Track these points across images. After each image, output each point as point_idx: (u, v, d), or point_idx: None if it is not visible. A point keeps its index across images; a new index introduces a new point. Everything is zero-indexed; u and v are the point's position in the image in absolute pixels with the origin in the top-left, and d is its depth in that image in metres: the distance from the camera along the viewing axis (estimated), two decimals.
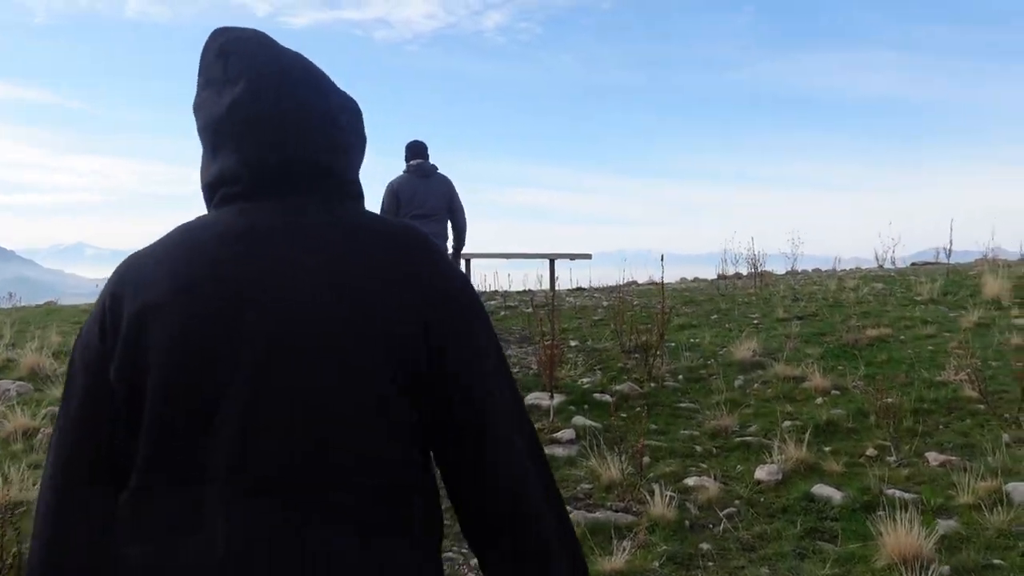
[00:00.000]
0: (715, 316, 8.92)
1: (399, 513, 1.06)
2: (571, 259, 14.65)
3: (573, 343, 7.49)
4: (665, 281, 20.55)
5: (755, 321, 8.49)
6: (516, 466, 1.10)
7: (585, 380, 6.38)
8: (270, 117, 1.12)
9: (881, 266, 22.45)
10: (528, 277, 23.72)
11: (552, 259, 14.49)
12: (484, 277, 16.40)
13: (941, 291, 9.51)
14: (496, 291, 13.46)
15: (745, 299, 10.26)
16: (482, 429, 1.09)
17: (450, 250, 7.13)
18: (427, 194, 6.85)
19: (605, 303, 10.45)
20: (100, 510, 1.06)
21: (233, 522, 1.00)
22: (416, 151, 7.03)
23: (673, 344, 7.38)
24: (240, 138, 1.13)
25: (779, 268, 22.92)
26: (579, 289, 14.11)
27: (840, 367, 6.53)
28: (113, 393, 1.06)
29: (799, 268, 22.10)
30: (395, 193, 6.81)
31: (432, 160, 6.99)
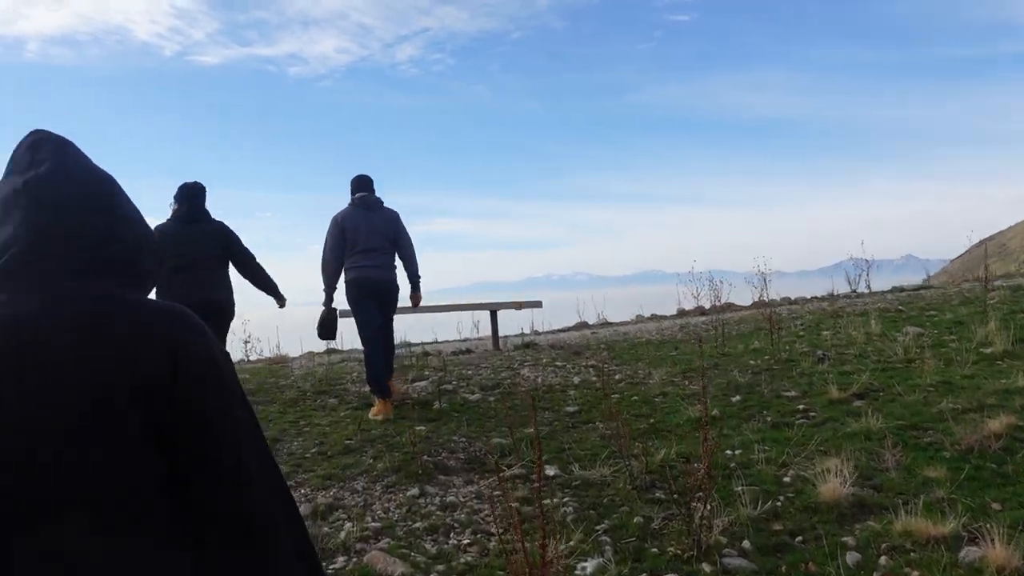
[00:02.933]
0: (737, 398, 6.33)
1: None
2: (518, 308, 11.99)
3: (550, 471, 4.79)
4: (618, 324, 17.95)
5: (800, 406, 5.92)
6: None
7: (589, 567, 3.66)
8: (66, 193, 1.29)
9: (855, 290, 20.39)
10: (462, 322, 21.10)
11: (494, 310, 11.81)
12: (403, 334, 13.54)
13: (1015, 337, 7.17)
14: (422, 351, 10.66)
15: (756, 360, 7.72)
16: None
17: (405, 289, 7.05)
18: (372, 227, 6.76)
19: (574, 374, 7.77)
20: None
21: None
22: (361, 184, 6.96)
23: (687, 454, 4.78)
24: (30, 206, 1.27)
25: (740, 299, 20.62)
26: (528, 345, 11.39)
27: (999, 503, 3.99)
28: None
29: (765, 296, 19.95)
30: (340, 225, 6.72)
31: (359, 194, 6.85)
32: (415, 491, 4.60)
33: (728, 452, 4.99)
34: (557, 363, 8.55)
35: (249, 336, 15.57)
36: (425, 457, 5.10)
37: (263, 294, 6.56)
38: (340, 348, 16.96)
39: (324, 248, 6.81)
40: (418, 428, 5.76)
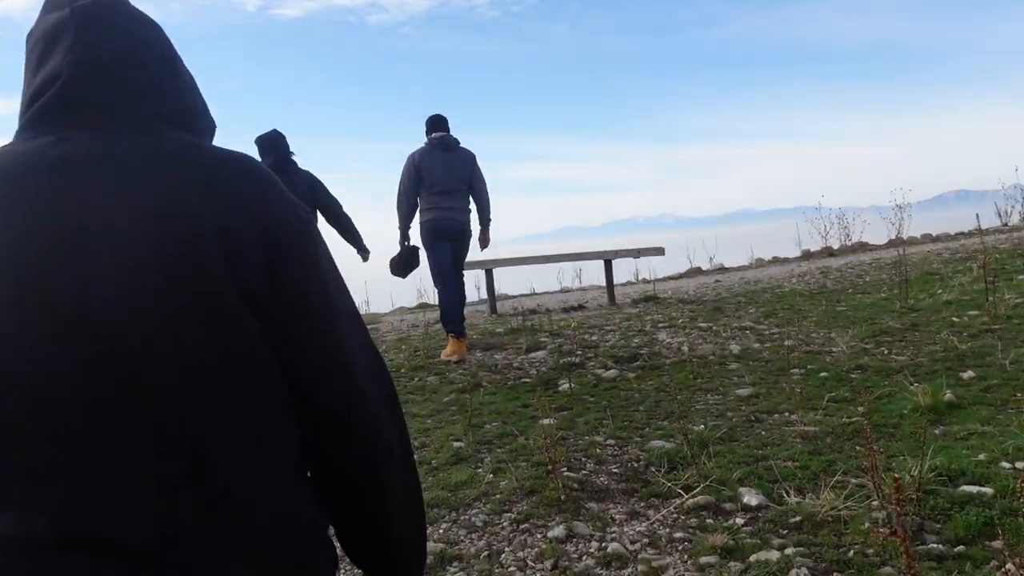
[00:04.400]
0: (969, 373, 4.68)
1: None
2: (636, 257, 10.43)
3: (750, 498, 3.32)
4: (735, 269, 16.19)
5: None
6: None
7: None
8: (126, 24, 1.08)
9: (1006, 223, 18.01)
10: (563, 272, 19.69)
11: (609, 259, 10.29)
12: (498, 286, 12.34)
13: None
14: (527, 310, 9.26)
15: (962, 316, 6.02)
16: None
17: (476, 231, 6.99)
18: (449, 168, 6.65)
19: (729, 339, 6.22)
20: None
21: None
22: (437, 124, 6.83)
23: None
24: (78, 33, 1.04)
25: (873, 237, 18.47)
26: (650, 298, 9.86)
27: None
28: None
29: (902, 234, 17.78)
30: (416, 166, 6.63)
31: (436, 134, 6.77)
32: (559, 531, 3.20)
33: (1004, 464, 3.42)
34: (700, 324, 7.01)
35: None
36: (566, 471, 3.71)
37: (348, 245, 6.62)
38: (432, 303, 15.79)
39: (399, 186, 6.76)
40: (546, 422, 4.38)
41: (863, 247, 16.67)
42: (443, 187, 6.61)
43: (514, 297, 14.37)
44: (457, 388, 5.52)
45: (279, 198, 1.06)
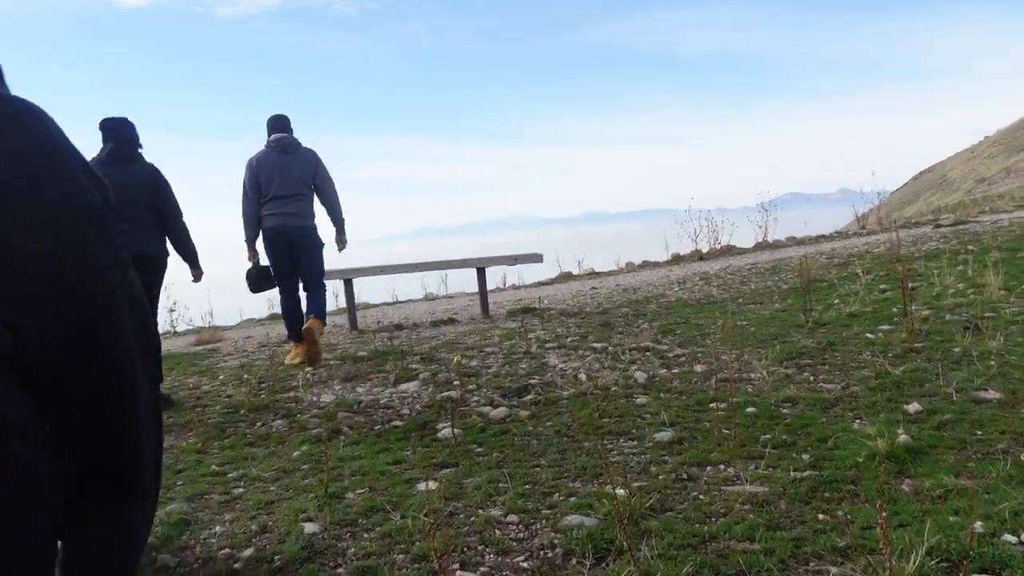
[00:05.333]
0: (914, 406, 4.06)
1: None
2: (513, 263, 9.56)
3: None
4: (607, 273, 15.67)
5: None
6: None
7: None
8: None
9: (863, 227, 18.39)
10: (427, 279, 18.61)
11: (481, 267, 9.36)
12: (357, 294, 11.42)
13: None
14: (392, 324, 8.23)
15: (876, 332, 5.48)
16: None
17: (327, 237, 6.74)
18: (288, 171, 6.39)
19: (631, 364, 5.42)
20: None
21: None
22: (277, 125, 6.56)
23: None
24: None
25: (739, 239, 18.44)
26: (529, 310, 9.03)
27: None
28: None
29: (768, 237, 17.81)
30: (254, 169, 6.40)
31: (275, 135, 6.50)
32: None
33: (1009, 537, 2.73)
34: (592, 343, 6.20)
35: (175, 303, 12.90)
36: (459, 570, 2.74)
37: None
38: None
39: (242, 195, 6.48)
40: (427, 487, 3.40)
41: (731, 250, 16.55)
42: (281, 191, 6.35)
43: (376, 306, 13.25)
44: (311, 437, 4.44)
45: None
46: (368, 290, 19.36)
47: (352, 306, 8.87)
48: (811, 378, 4.74)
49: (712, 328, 6.43)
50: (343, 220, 6.79)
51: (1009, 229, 11.40)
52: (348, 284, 8.85)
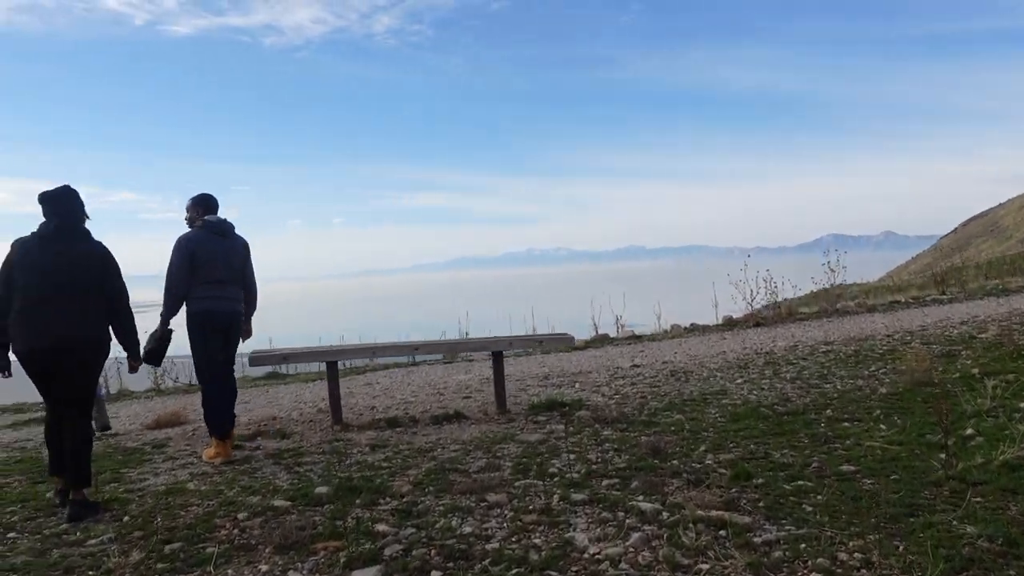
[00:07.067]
0: None
1: None
2: (539, 345, 7.76)
3: None
4: (648, 337, 13.80)
5: None
6: None
7: None
8: None
9: (943, 292, 16.32)
10: (447, 326, 16.97)
11: (499, 352, 7.56)
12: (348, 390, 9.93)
13: None
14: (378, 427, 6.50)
15: None
16: None
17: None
18: (227, 256, 6.29)
19: (701, 558, 3.60)
20: None
21: None
22: (210, 206, 6.42)
23: None
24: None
25: (792, 277, 16.40)
26: (555, 405, 7.29)
27: None
28: None
29: (832, 301, 15.77)
30: (191, 251, 6.15)
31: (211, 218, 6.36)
32: None
33: None
34: (638, 497, 4.36)
35: None
36: None
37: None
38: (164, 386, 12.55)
39: (170, 271, 6.17)
40: None
41: (792, 315, 14.60)
42: (221, 275, 6.20)
43: (383, 370, 11.54)
44: None
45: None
46: (388, 333, 17.58)
47: (336, 395, 7.14)
48: None
49: (806, 476, 4.58)
50: (255, 309, 6.67)
51: None
52: (332, 367, 7.13)
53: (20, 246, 4.81)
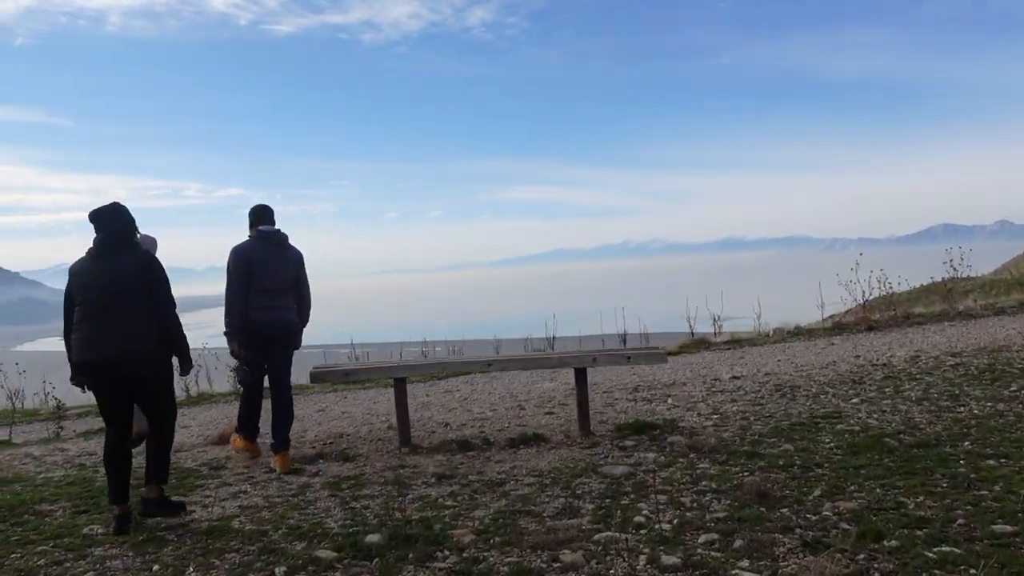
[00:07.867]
0: None
1: None
2: (627, 360, 7.01)
3: None
4: (747, 339, 12.84)
5: None
6: None
7: None
8: None
9: None
10: (532, 327, 16.46)
11: (583, 368, 6.86)
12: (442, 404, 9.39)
13: None
14: (432, 474, 5.92)
15: None
16: None
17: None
18: (281, 265, 6.25)
19: None
20: None
21: None
22: (264, 216, 6.37)
23: None
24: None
25: (903, 269, 15.15)
26: (645, 428, 6.56)
27: None
28: None
29: (955, 300, 14.41)
30: (247, 261, 6.13)
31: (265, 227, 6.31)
32: None
33: None
34: (743, 563, 3.62)
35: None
36: None
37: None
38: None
39: (229, 285, 6.13)
40: None
41: (908, 319, 13.37)
42: (274, 284, 6.17)
43: (456, 377, 10.97)
44: None
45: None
46: (469, 340, 17.06)
47: (404, 415, 6.59)
48: None
49: (951, 538, 3.72)
50: (308, 320, 6.61)
51: None
52: (400, 385, 6.58)
53: (77, 264, 4.92)
